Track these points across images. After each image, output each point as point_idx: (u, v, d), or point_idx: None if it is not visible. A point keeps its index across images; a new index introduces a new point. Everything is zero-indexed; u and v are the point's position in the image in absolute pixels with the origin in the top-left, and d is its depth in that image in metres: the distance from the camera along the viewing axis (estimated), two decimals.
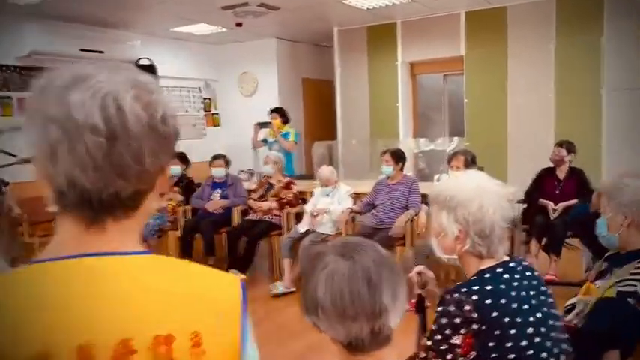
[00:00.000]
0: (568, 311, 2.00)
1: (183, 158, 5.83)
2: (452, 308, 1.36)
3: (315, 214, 4.69)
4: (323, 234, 4.69)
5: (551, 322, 1.43)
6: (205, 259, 5.14)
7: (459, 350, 1.37)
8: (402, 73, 7.12)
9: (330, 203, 4.83)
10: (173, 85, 7.77)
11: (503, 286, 1.40)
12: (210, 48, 8.17)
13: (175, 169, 5.74)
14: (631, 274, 1.66)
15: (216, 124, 8.51)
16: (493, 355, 1.34)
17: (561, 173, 4.61)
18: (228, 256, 4.92)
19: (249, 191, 5.50)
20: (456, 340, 1.36)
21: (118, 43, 6.61)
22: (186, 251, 5.20)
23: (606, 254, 1.91)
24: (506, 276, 1.44)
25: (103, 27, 6.36)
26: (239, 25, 6.68)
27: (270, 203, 5.13)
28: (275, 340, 3.70)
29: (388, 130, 7.19)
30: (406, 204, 4.54)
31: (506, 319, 1.36)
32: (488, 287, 1.39)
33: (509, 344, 1.34)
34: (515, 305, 1.38)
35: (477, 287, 1.39)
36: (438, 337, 1.38)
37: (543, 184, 4.66)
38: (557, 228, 4.27)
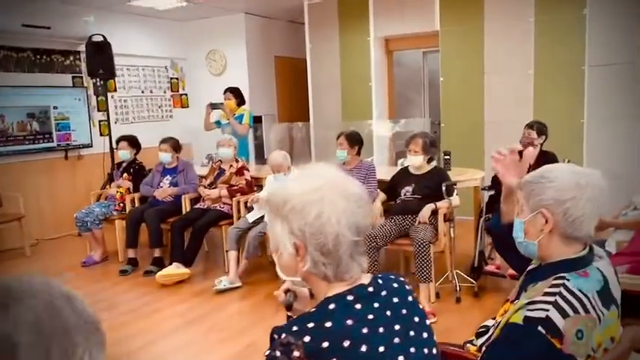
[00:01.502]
0: (480, 334, 1.63)
1: (133, 142, 5.43)
2: (277, 354, 0.98)
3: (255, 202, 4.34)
4: None
5: None
6: (151, 251, 4.79)
7: None
8: (375, 49, 6.67)
9: None
10: (136, 65, 7.35)
11: (350, 322, 1.02)
12: (176, 25, 7.72)
13: (124, 153, 5.37)
14: (545, 294, 1.28)
15: (184, 105, 8.09)
16: None
17: (531, 157, 4.20)
18: (170, 249, 4.54)
19: (201, 177, 5.11)
20: None
21: (67, 17, 6.17)
22: (131, 242, 4.85)
23: (528, 267, 1.53)
24: (357, 306, 1.06)
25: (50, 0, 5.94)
26: None
27: (220, 191, 4.75)
28: (213, 340, 3.36)
29: (361, 110, 6.77)
30: None
31: None
32: (328, 324, 1.01)
33: None
34: (364, 348, 1.01)
35: (312, 325, 1.01)
36: None
37: None
38: None
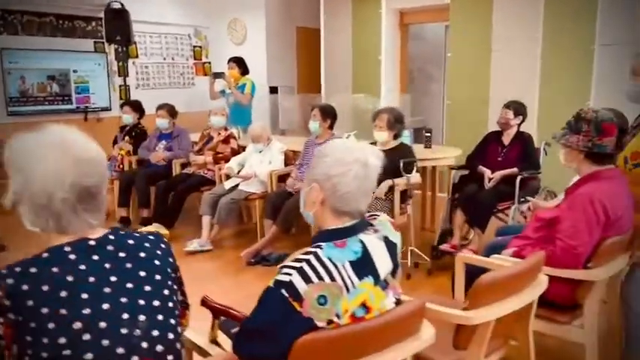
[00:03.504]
0: None
1: (136, 106, 5.69)
2: None
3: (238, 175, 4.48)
4: (247, 192, 4.46)
5: (126, 317, 1.15)
6: (140, 211, 5.06)
7: (3, 342, 1.13)
8: (387, 22, 6.56)
9: (260, 161, 4.56)
10: (158, 32, 7.60)
11: (55, 270, 1.13)
12: None
13: (128, 117, 5.64)
14: (295, 260, 1.34)
15: (207, 73, 8.28)
16: (29, 351, 1.10)
17: (507, 138, 4.10)
18: (153, 210, 4.79)
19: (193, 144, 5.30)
20: None
21: None
22: (123, 202, 5.14)
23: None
24: (72, 257, 1.16)
25: None
26: None
27: (205, 157, 4.92)
28: None
29: (370, 84, 6.72)
30: None
31: (45, 310, 1.10)
32: (32, 270, 1.12)
33: (45, 340, 1.09)
34: (64, 294, 1.11)
35: (19, 269, 1.13)
36: None
37: (488, 149, 4.17)
38: (483, 199, 3.81)
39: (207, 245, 4.39)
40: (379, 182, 3.76)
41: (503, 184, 3.89)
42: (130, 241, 1.25)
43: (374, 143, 4.07)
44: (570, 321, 2.17)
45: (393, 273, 1.47)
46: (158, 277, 1.25)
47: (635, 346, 2.21)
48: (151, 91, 7.46)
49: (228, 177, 4.68)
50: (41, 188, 1.14)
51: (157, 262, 1.26)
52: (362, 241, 1.40)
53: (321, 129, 4.32)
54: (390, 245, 1.46)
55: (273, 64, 7.76)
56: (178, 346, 1.24)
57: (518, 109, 4.04)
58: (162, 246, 1.32)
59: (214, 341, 1.61)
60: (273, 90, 7.78)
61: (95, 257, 1.18)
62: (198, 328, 1.64)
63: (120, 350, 1.12)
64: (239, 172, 4.58)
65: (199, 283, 3.75)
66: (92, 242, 1.19)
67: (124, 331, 1.14)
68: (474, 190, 3.94)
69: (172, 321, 1.24)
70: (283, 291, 1.30)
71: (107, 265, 1.18)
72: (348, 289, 1.33)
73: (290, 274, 1.31)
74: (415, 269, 3.86)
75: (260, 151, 4.60)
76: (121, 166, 5.49)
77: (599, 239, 2.08)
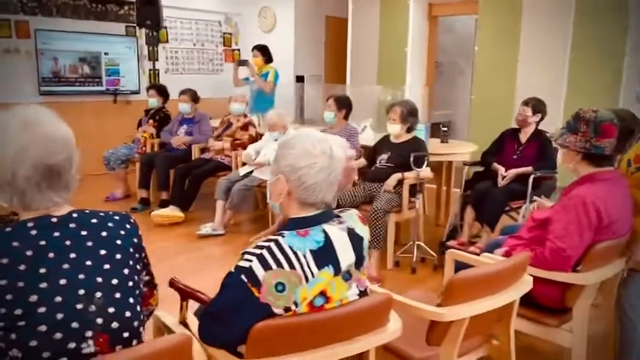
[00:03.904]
0: None
1: (161, 91, 5.80)
2: None
3: (252, 163, 4.52)
4: (260, 179, 4.50)
5: (82, 293, 1.19)
6: (158, 193, 5.18)
7: None
8: (415, 13, 6.48)
9: (275, 149, 4.59)
10: (189, 18, 7.70)
11: (15, 244, 1.18)
12: None
13: (153, 101, 5.75)
14: (256, 246, 1.36)
15: (236, 59, 8.35)
16: None
17: (524, 136, 4.01)
18: (171, 193, 4.89)
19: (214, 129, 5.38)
20: None
21: None
22: (143, 183, 5.26)
23: None
24: (33, 232, 1.21)
25: None
26: None
27: (223, 143, 4.99)
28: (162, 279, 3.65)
29: (395, 75, 6.66)
30: None
31: (3, 282, 1.15)
32: None
33: (3, 310, 1.14)
34: (23, 267, 1.16)
35: None
36: None
37: (504, 146, 4.09)
38: (495, 197, 3.75)
39: (220, 230, 4.47)
40: (388, 175, 3.76)
41: (517, 183, 3.82)
42: (94, 220, 1.30)
43: (387, 136, 4.06)
44: (559, 324, 2.13)
45: (358, 265, 1.47)
46: (119, 256, 1.28)
47: (630, 351, 2.16)
48: (180, 76, 7.58)
49: (244, 164, 4.73)
50: (4, 166, 1.19)
51: (118, 242, 1.30)
52: (325, 231, 1.41)
53: (336, 119, 4.32)
54: (355, 237, 1.47)
55: (301, 52, 7.77)
56: (136, 324, 1.27)
57: (537, 106, 3.94)
58: (127, 226, 1.35)
59: (183, 322, 1.65)
60: (300, 79, 7.79)
61: (56, 234, 1.23)
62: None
63: (74, 324, 1.17)
64: (255, 159, 4.62)
65: (207, 267, 3.84)
66: (54, 219, 1.24)
67: (79, 306, 1.18)
68: (487, 187, 3.88)
69: (131, 300, 1.27)
70: (243, 276, 1.32)
71: (67, 242, 1.23)
72: (307, 278, 1.34)
73: (250, 260, 1.33)
74: (421, 264, 3.84)
75: (276, 139, 4.62)
76: (144, 148, 5.61)
77: (591, 243, 2.03)
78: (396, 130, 3.91)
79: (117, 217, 1.35)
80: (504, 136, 4.13)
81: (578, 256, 2.03)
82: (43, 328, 1.14)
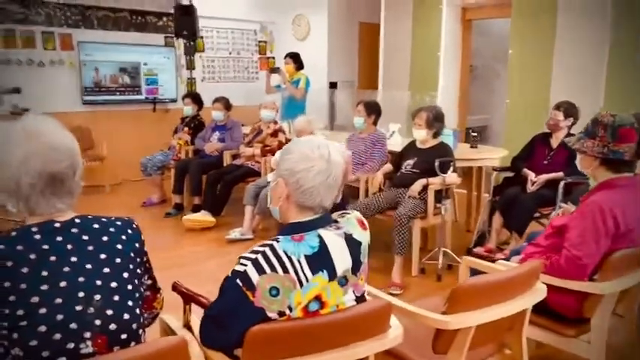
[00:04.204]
0: None
1: (196, 99, 5.95)
2: None
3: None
4: None
5: (81, 295, 1.25)
6: (191, 198, 5.31)
7: None
8: (448, 18, 6.41)
9: None
10: (225, 27, 7.86)
11: (20, 248, 1.24)
12: None
13: (188, 109, 5.92)
14: (252, 251, 1.38)
15: (269, 67, 8.47)
16: None
17: (555, 141, 3.90)
18: (203, 198, 5.01)
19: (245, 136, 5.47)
20: None
21: None
22: (177, 189, 5.40)
23: None
24: (37, 237, 1.27)
25: None
26: None
27: (254, 150, 5.07)
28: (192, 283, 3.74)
29: (428, 80, 6.60)
30: (366, 160, 4.22)
31: (7, 284, 1.21)
32: (1, 246, 1.24)
33: (7, 311, 1.20)
34: (26, 270, 1.22)
35: None
36: None
37: (535, 151, 4.00)
38: (524, 203, 3.66)
39: (248, 234, 4.53)
40: (413, 180, 3.74)
41: (547, 189, 3.72)
42: (95, 225, 1.35)
43: (414, 141, 4.04)
44: (577, 335, 2.07)
45: (355, 270, 1.47)
46: (118, 260, 1.33)
47: None
48: (216, 84, 7.74)
49: (273, 169, 4.78)
50: (10, 174, 1.26)
51: (118, 247, 1.35)
52: (320, 236, 1.42)
53: (366, 124, 4.32)
54: (352, 242, 1.47)
55: (334, 59, 7.81)
56: (134, 326, 1.32)
57: (569, 110, 3.83)
58: (129, 232, 1.40)
59: (187, 325, 1.70)
60: (333, 85, 7.84)
61: (59, 238, 1.29)
62: None
63: (73, 325, 1.22)
64: None
65: None
66: (57, 224, 1.30)
67: (78, 307, 1.24)
68: (516, 192, 3.80)
69: (130, 303, 1.32)
70: (238, 280, 1.35)
71: (69, 247, 1.28)
72: (301, 283, 1.36)
73: (245, 265, 1.36)
74: (448, 271, 3.79)
75: None
76: (179, 154, 5.76)
77: (608, 251, 1.96)
78: (421, 136, 3.88)
79: (119, 223, 1.41)
80: (535, 140, 4.04)
81: (595, 264, 1.96)
82: (43, 328, 1.20)
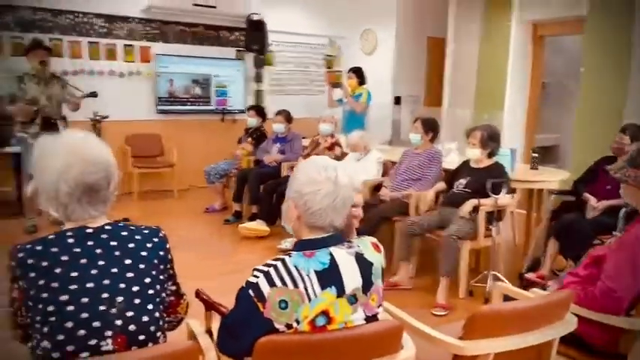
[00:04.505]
0: None
1: (260, 111, 6.17)
2: (12, 263, 1.40)
3: None
4: None
5: (105, 296, 1.36)
6: (250, 207, 5.48)
7: (17, 304, 1.41)
8: (517, 34, 6.25)
9: (356, 169, 4.68)
10: (294, 41, 8.06)
11: (54, 250, 1.38)
12: (335, 4, 8.15)
13: (252, 120, 6.13)
14: (265, 264, 1.45)
15: (338, 81, 8.57)
16: (29, 313, 1.36)
17: None
18: (260, 207, 5.16)
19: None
20: (14, 294, 1.41)
21: None
22: (237, 197, 5.60)
23: None
24: (70, 241, 1.40)
25: None
26: None
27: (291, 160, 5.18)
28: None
29: (494, 98, 6.46)
30: (420, 176, 4.20)
31: (42, 282, 1.35)
32: (38, 247, 1.38)
33: (40, 306, 1.34)
34: (59, 270, 1.35)
35: (29, 246, 1.39)
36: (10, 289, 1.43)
37: (598, 175, 3.82)
38: (582, 229, 3.50)
39: None
40: (465, 200, 3.68)
41: (608, 215, 3.53)
42: (124, 233, 1.47)
43: (468, 160, 3.97)
44: None
45: (365, 290, 1.50)
46: (142, 266, 1.44)
47: None
48: (283, 96, 7.95)
49: None
50: (50, 182, 1.40)
51: (143, 253, 1.46)
52: (331, 254, 1.46)
53: (422, 141, 4.30)
54: (363, 262, 1.50)
55: (400, 73, 7.81)
56: (152, 328, 1.41)
57: (636, 134, 3.64)
58: (155, 240, 1.50)
59: (209, 331, 1.78)
60: (398, 100, 7.82)
61: (90, 243, 1.41)
62: None
63: (96, 324, 1.33)
64: None
65: None
66: (90, 230, 1.43)
67: (102, 307, 1.35)
68: (574, 218, 3.64)
69: (150, 306, 1.42)
70: (250, 291, 1.42)
71: (98, 251, 1.41)
72: (309, 297, 1.41)
73: (257, 277, 1.43)
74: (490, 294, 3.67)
75: (358, 160, 4.72)
76: (241, 164, 5.97)
77: None
78: (475, 155, 3.82)
79: (146, 231, 1.52)
80: (599, 164, 3.86)
81: (632, 298, 1.87)
82: (69, 324, 1.32)
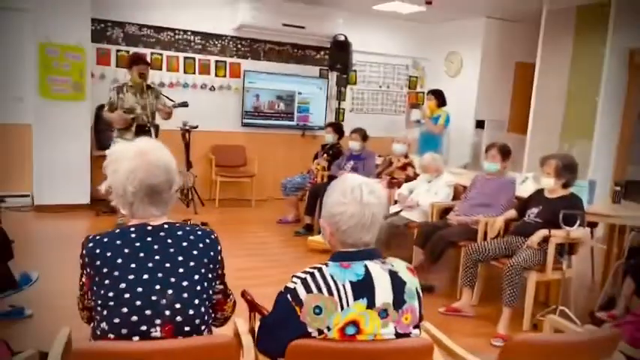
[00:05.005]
0: None
1: (337, 128, 6.31)
2: (82, 252, 1.59)
3: (404, 203, 4.65)
4: (407, 219, 4.61)
5: (158, 288, 1.51)
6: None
7: (85, 288, 1.61)
8: (611, 61, 5.96)
9: (427, 191, 4.67)
10: (377, 62, 8.18)
11: (119, 242, 1.55)
12: (419, 27, 8.21)
13: (329, 137, 6.31)
14: (303, 271, 1.53)
15: (419, 101, 8.57)
16: (93, 297, 1.54)
17: None
18: None
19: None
20: (83, 279, 1.60)
21: (319, 19, 7.31)
22: (309, 211, 5.75)
23: None
24: (133, 235, 1.57)
25: (306, 4, 7.15)
26: (429, 3, 6.63)
27: (381, 181, 5.21)
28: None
29: (583, 127, 6.18)
30: (491, 202, 4.12)
31: (105, 270, 1.52)
32: (105, 239, 1.56)
33: (102, 291, 1.51)
34: (120, 260, 1.52)
35: (98, 237, 1.57)
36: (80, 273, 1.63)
37: None
38: None
39: None
40: (535, 230, 3.57)
41: None
42: (179, 232, 1.62)
43: (542, 189, 3.85)
44: None
45: (397, 307, 1.54)
46: (192, 263, 1.58)
47: None
48: (363, 115, 8.08)
49: (396, 202, 4.88)
50: (119, 182, 1.58)
51: (194, 252, 1.60)
52: (366, 266, 1.53)
53: (500, 168, 4.22)
54: (397, 279, 1.55)
55: (484, 97, 7.68)
56: (197, 321, 1.54)
57: None
58: (207, 241, 1.64)
59: (252, 330, 1.89)
60: (480, 124, 7.68)
61: (149, 239, 1.57)
62: None
63: (147, 312, 1.48)
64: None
65: None
66: (150, 227, 1.59)
67: (153, 297, 1.50)
68: None
69: (196, 301, 1.55)
70: (288, 296, 1.52)
71: (155, 247, 1.56)
72: (342, 306, 1.48)
73: (296, 283, 1.52)
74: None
75: (429, 181, 4.71)
76: (315, 179, 6.13)
77: None
78: (549, 184, 3.69)
79: (199, 232, 1.66)
80: None
81: None
82: (125, 309, 1.47)
